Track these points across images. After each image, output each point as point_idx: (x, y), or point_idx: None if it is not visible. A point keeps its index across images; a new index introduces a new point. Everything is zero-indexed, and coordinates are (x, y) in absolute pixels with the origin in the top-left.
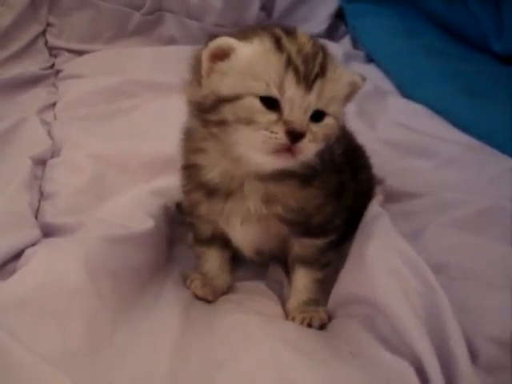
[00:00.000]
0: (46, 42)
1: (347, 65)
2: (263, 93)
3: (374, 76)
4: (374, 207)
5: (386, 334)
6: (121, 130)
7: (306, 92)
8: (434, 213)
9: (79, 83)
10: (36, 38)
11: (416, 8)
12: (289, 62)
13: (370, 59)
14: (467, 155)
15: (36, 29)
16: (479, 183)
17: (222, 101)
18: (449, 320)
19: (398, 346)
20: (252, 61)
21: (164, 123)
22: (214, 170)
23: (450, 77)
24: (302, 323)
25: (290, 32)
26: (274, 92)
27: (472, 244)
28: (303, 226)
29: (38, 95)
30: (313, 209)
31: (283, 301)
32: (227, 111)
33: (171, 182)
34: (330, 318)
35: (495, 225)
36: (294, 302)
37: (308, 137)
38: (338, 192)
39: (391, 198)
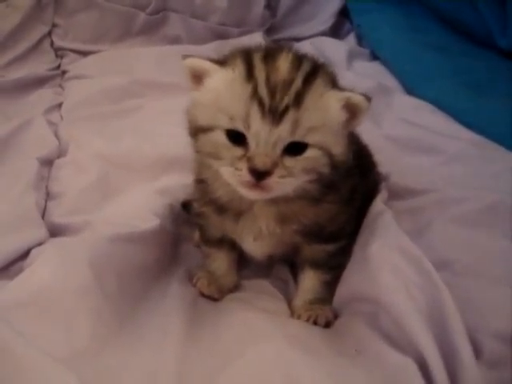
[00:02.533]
0: (52, 43)
1: (351, 62)
2: (229, 126)
3: (378, 73)
4: (378, 204)
5: (389, 332)
6: (126, 130)
7: (273, 126)
8: (438, 209)
9: (85, 84)
10: (42, 39)
11: (421, 5)
12: (254, 94)
13: (374, 56)
14: (472, 151)
15: (42, 30)
16: (483, 179)
17: (198, 130)
18: (452, 316)
19: (401, 343)
20: (220, 90)
21: (169, 123)
22: (222, 189)
23: (454, 73)
24: (307, 321)
25: (272, 55)
26: (239, 126)
27: (476, 240)
28: (317, 235)
29: (45, 96)
30: (326, 221)
31: (289, 299)
32: (201, 142)
33: (176, 181)
34: (335, 316)
35: (499, 221)
36: (300, 300)
37: (279, 172)
38: (350, 199)
39: (395, 194)
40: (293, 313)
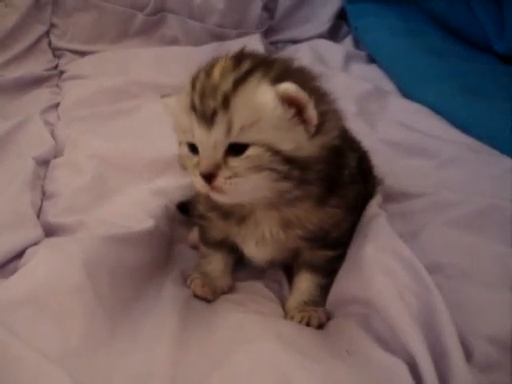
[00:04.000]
0: (50, 43)
1: (348, 65)
2: (186, 139)
3: (375, 76)
4: (372, 208)
5: (381, 333)
6: (123, 131)
7: (207, 130)
8: (433, 212)
9: (82, 84)
10: (40, 38)
11: (418, 8)
12: (192, 103)
13: (371, 59)
14: (467, 155)
15: (40, 30)
16: (479, 183)
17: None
18: (443, 319)
19: (392, 345)
20: (175, 108)
21: (166, 124)
22: None
23: (451, 77)
24: (300, 322)
25: (213, 64)
26: (189, 137)
27: (469, 243)
28: (320, 241)
29: (42, 96)
30: (331, 226)
31: (282, 301)
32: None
33: (171, 183)
34: (328, 317)
35: (494, 225)
36: (293, 302)
37: (223, 174)
38: (354, 205)
39: (390, 197)
40: (286, 313)
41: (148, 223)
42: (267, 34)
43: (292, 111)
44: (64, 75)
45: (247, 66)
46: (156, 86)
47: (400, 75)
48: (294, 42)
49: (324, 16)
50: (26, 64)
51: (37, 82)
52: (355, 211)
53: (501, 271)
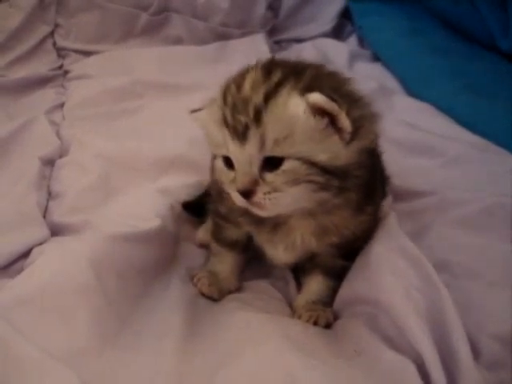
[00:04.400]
0: (54, 43)
1: (353, 64)
2: (220, 153)
3: (379, 75)
4: (384, 207)
5: (389, 333)
6: (128, 130)
7: (241, 145)
8: (439, 211)
9: (87, 84)
10: (44, 39)
11: (422, 7)
12: (224, 118)
13: (376, 58)
14: (472, 154)
15: (44, 30)
16: (484, 181)
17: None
18: (451, 318)
19: (400, 345)
20: (207, 122)
21: (170, 123)
22: None
23: (455, 75)
24: (308, 321)
25: (243, 75)
26: (224, 151)
27: (475, 242)
28: (347, 249)
29: (47, 96)
30: (362, 232)
31: (289, 300)
32: (214, 169)
33: (177, 182)
34: (335, 317)
35: (499, 223)
36: (302, 301)
37: (263, 189)
38: (378, 210)
39: (396, 196)
40: (294, 312)
41: (154, 222)
42: (271, 33)
43: (325, 121)
44: (69, 75)
45: (277, 77)
46: (160, 86)
47: (404, 74)
48: (299, 41)
49: (328, 15)
50: (31, 64)
51: (41, 82)
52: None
53: (508, 270)
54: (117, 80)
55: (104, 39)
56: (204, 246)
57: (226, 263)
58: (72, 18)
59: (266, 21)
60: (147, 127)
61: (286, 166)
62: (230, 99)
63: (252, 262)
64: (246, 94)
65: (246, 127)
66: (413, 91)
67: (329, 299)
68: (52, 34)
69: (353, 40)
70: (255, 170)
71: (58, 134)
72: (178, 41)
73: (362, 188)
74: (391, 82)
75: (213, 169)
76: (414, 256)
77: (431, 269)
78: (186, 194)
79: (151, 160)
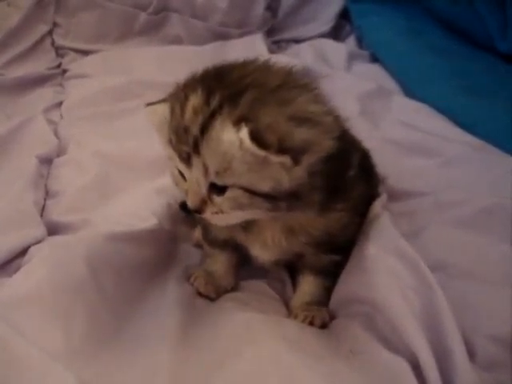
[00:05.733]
0: (53, 42)
1: (351, 65)
2: (174, 165)
3: (378, 75)
4: (376, 207)
5: (384, 333)
6: (126, 130)
7: (187, 168)
8: (435, 212)
9: (85, 83)
10: (43, 37)
11: (421, 7)
12: (170, 140)
13: (374, 59)
14: (470, 154)
15: (42, 29)
16: (482, 182)
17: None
18: (446, 318)
19: (396, 345)
20: (158, 127)
21: None
22: None
23: (454, 76)
24: (303, 321)
25: (187, 96)
26: (175, 165)
27: (472, 243)
28: (326, 246)
29: (45, 95)
30: (337, 230)
31: (285, 300)
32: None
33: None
34: (331, 317)
35: (497, 224)
36: (297, 301)
37: (211, 209)
38: (360, 207)
39: (392, 196)
40: (290, 312)
41: (151, 221)
42: (270, 33)
43: (263, 152)
44: (67, 74)
45: (214, 104)
46: (159, 85)
47: (403, 74)
48: (297, 41)
49: (327, 15)
50: (29, 63)
51: (40, 81)
52: (360, 212)
53: (504, 270)
54: (115, 79)
55: (103, 38)
56: (200, 245)
57: (220, 263)
58: (71, 17)
59: (265, 21)
60: (145, 127)
61: (229, 194)
62: (174, 123)
63: (248, 261)
64: (186, 123)
65: (189, 155)
66: (411, 92)
67: (323, 298)
68: (50, 32)
69: (351, 40)
70: (203, 191)
71: (56, 133)
72: (176, 40)
73: (325, 190)
74: (389, 83)
75: None
76: (409, 256)
77: (426, 269)
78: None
79: (149, 159)
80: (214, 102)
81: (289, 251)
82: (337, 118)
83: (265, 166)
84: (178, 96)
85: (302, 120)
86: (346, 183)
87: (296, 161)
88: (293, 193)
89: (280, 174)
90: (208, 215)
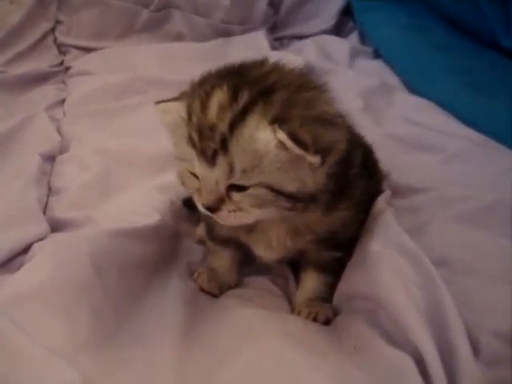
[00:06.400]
0: (55, 40)
1: (354, 61)
2: (186, 166)
3: (381, 71)
4: (379, 203)
5: (388, 329)
6: (128, 127)
7: (208, 168)
8: (438, 207)
9: (88, 80)
10: (45, 35)
11: (424, 4)
12: (191, 139)
13: (377, 55)
14: (473, 150)
15: (45, 26)
16: (484, 178)
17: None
18: (450, 314)
19: (399, 341)
20: (173, 128)
21: None
22: None
23: (456, 72)
24: (307, 317)
25: (208, 93)
26: (190, 167)
27: (475, 238)
28: (329, 243)
29: (47, 92)
30: (340, 227)
31: (289, 296)
32: (177, 168)
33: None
34: (335, 313)
35: (499, 220)
36: (300, 297)
37: (229, 207)
38: (362, 204)
39: (396, 192)
40: (293, 308)
41: (154, 218)
42: (272, 29)
43: (302, 151)
44: (69, 71)
45: (244, 100)
46: (161, 82)
47: (406, 71)
48: (300, 37)
49: (329, 12)
50: (32, 60)
51: (42, 78)
52: (363, 209)
53: (507, 266)
54: (118, 76)
55: (105, 36)
56: (203, 242)
57: (223, 259)
58: (73, 15)
59: (267, 17)
60: (148, 123)
61: (253, 190)
62: (195, 120)
63: (251, 259)
64: (211, 120)
65: (215, 153)
66: (414, 88)
67: (327, 295)
68: (53, 30)
69: (354, 37)
70: (222, 189)
71: (58, 131)
72: (179, 37)
73: (332, 191)
74: (392, 79)
75: None
76: (412, 252)
77: (430, 265)
78: (185, 191)
79: (151, 156)
80: (244, 99)
81: (292, 249)
82: (344, 119)
83: (295, 167)
84: (196, 93)
85: (325, 122)
86: (348, 181)
87: (324, 161)
88: (311, 196)
89: (307, 175)
90: (223, 213)
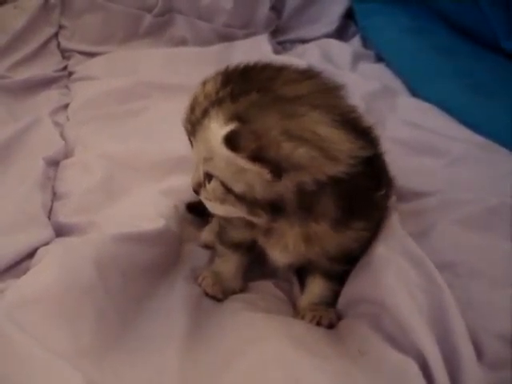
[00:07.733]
0: (59, 45)
1: (356, 64)
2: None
3: (383, 75)
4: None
5: (392, 333)
6: (132, 131)
7: (192, 149)
8: (442, 211)
9: (91, 85)
10: (48, 40)
11: (426, 7)
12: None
13: (379, 58)
14: (476, 153)
15: (48, 31)
16: (488, 181)
17: None
18: (454, 317)
19: (403, 344)
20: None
21: (174, 124)
22: None
23: (459, 75)
24: (311, 321)
25: (208, 80)
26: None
27: (479, 242)
28: (341, 259)
29: (51, 97)
30: (354, 247)
31: (293, 300)
32: None
33: (181, 182)
34: (339, 317)
35: (503, 223)
36: (305, 302)
37: (203, 194)
38: (378, 220)
39: (399, 196)
40: (297, 312)
41: (158, 223)
42: (275, 33)
43: (231, 153)
44: (73, 76)
45: (221, 94)
46: (165, 87)
47: (408, 74)
48: (302, 41)
49: (332, 15)
50: (35, 65)
51: (46, 83)
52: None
53: (511, 269)
54: (121, 81)
55: (108, 40)
56: (208, 246)
57: (230, 263)
58: (76, 20)
59: (270, 22)
60: (152, 128)
61: (211, 184)
62: (190, 101)
63: (256, 262)
64: (194, 103)
65: (190, 135)
66: (416, 91)
67: (331, 300)
68: (56, 35)
69: (356, 40)
70: (201, 175)
71: (62, 135)
72: (182, 42)
73: (340, 207)
74: (395, 82)
75: None
76: (416, 256)
77: (433, 268)
78: (189, 195)
79: (155, 161)
80: (224, 92)
81: (306, 256)
82: (364, 146)
83: (239, 169)
84: (208, 80)
85: (299, 138)
86: (372, 203)
87: (276, 175)
88: (273, 204)
89: (254, 180)
90: (202, 198)
